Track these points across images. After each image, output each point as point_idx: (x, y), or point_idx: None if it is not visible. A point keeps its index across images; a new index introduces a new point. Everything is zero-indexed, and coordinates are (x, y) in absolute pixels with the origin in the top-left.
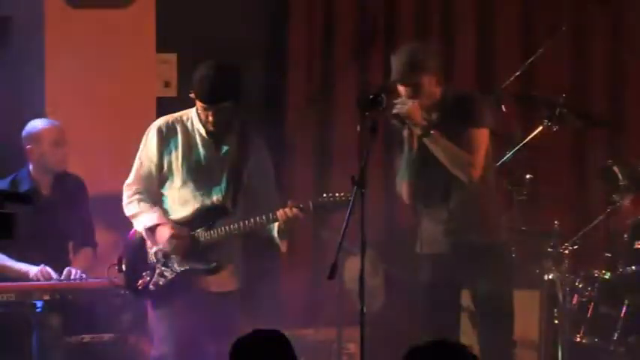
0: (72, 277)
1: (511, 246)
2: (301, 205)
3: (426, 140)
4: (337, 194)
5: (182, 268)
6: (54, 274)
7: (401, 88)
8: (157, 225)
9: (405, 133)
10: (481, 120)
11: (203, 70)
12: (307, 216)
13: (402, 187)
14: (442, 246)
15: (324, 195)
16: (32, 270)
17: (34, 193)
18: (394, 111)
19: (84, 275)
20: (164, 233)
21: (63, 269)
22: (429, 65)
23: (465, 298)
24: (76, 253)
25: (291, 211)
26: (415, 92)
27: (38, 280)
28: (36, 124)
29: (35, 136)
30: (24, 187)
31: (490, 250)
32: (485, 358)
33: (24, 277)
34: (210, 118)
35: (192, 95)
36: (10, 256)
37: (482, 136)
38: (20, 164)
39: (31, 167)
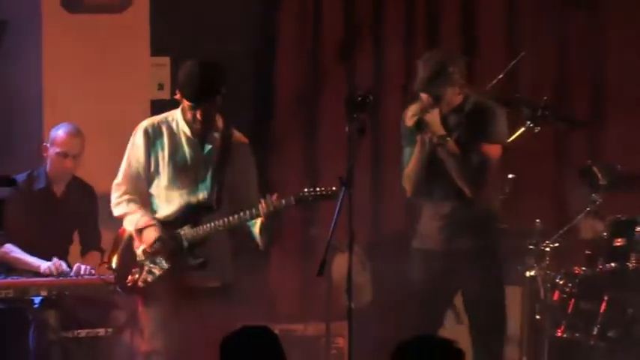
0: (81, 272)
1: (502, 249)
2: (283, 200)
3: (439, 149)
4: (318, 188)
5: (170, 265)
6: (65, 268)
7: (423, 96)
8: (144, 227)
9: (420, 137)
10: (495, 134)
11: (187, 69)
12: (291, 210)
13: (407, 181)
14: (439, 242)
15: (306, 189)
16: (43, 264)
17: (47, 192)
18: (412, 117)
19: (93, 270)
20: (150, 235)
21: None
22: (453, 78)
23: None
24: (83, 255)
25: (274, 204)
26: (437, 101)
27: (51, 273)
28: (58, 129)
29: (51, 140)
30: (39, 185)
31: (484, 253)
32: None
33: (35, 270)
34: (198, 117)
35: (177, 96)
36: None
37: (494, 152)
38: (14, 165)
39: (48, 167)
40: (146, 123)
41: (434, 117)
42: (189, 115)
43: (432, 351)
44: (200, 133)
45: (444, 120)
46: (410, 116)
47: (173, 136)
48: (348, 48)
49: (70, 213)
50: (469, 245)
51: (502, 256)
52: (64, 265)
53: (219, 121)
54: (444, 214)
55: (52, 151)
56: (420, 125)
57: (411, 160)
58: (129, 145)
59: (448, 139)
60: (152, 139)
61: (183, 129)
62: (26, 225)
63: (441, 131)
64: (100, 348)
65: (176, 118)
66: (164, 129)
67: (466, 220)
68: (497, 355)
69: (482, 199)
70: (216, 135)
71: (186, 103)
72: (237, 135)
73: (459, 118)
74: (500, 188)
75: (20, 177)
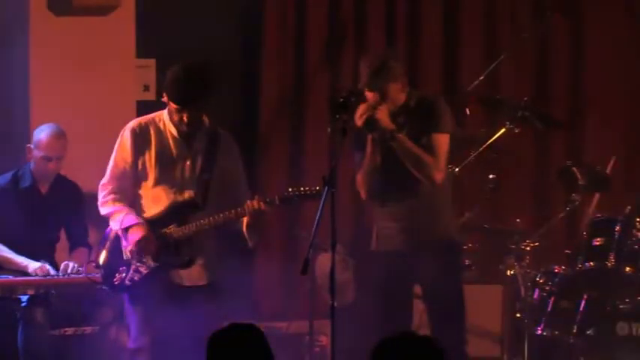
0: (69, 270)
1: (462, 245)
2: (268, 199)
3: (392, 143)
4: (302, 188)
5: (156, 264)
6: (52, 272)
7: (368, 94)
8: (130, 226)
9: (370, 137)
10: (443, 125)
11: (174, 72)
12: (275, 210)
13: (360, 185)
14: (397, 243)
15: (290, 189)
16: (31, 265)
17: (33, 190)
18: (362, 116)
19: (80, 269)
20: (135, 234)
21: (50, 262)
22: (395, 72)
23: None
24: (72, 252)
25: (258, 204)
26: (382, 98)
27: (36, 275)
28: (41, 132)
29: (35, 143)
30: (25, 183)
31: (442, 249)
32: None
33: (23, 270)
34: (185, 119)
35: (164, 99)
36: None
37: (442, 141)
38: (5, 163)
39: (32, 167)
40: (133, 123)
41: (382, 113)
42: (175, 117)
43: (412, 348)
44: (186, 134)
45: (392, 117)
46: (359, 116)
47: (160, 136)
48: (331, 51)
49: (56, 210)
50: (425, 242)
51: (460, 249)
52: (51, 270)
53: (206, 122)
54: (403, 215)
55: (36, 153)
56: (370, 123)
57: (364, 163)
58: (116, 145)
59: (398, 135)
60: (139, 138)
61: (170, 129)
62: (13, 223)
63: (391, 126)
64: (87, 345)
65: (163, 118)
66: (151, 129)
67: (420, 219)
68: (458, 344)
69: (436, 190)
70: (203, 135)
71: (172, 105)
72: (224, 135)
73: (406, 114)
74: (451, 176)
75: (6, 176)
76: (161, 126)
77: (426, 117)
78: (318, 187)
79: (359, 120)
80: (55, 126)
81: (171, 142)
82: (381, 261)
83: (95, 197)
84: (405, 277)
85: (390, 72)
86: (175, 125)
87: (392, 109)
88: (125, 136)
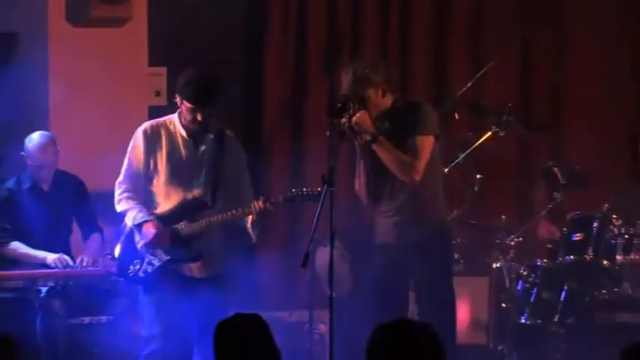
0: (84, 263)
1: (452, 240)
2: (273, 200)
3: (373, 146)
4: (305, 189)
5: (168, 257)
6: (70, 261)
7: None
8: (142, 222)
9: (356, 142)
10: (425, 127)
11: (188, 75)
12: (279, 208)
13: (358, 189)
14: (391, 238)
15: (293, 190)
16: (49, 257)
17: (35, 190)
18: (344, 123)
19: (95, 262)
20: (148, 230)
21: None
22: (372, 79)
23: None
24: (86, 239)
25: (265, 204)
26: (363, 104)
27: (56, 266)
28: (31, 141)
29: (26, 152)
30: (26, 185)
31: (433, 244)
32: None
33: (42, 262)
34: (199, 117)
35: (177, 100)
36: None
37: (425, 143)
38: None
39: (29, 171)
40: (146, 125)
41: (361, 118)
42: (189, 117)
43: (408, 334)
44: (195, 135)
45: (377, 122)
46: (342, 123)
47: (170, 137)
48: (329, 61)
49: (61, 204)
50: (416, 237)
51: (450, 244)
52: (68, 260)
53: (215, 126)
54: (394, 212)
55: (29, 162)
56: (353, 129)
57: (357, 169)
58: (130, 146)
59: (379, 138)
60: (151, 140)
61: (180, 131)
62: (26, 222)
63: (371, 129)
64: (102, 333)
65: (173, 121)
66: (162, 131)
67: (410, 215)
68: (449, 338)
69: (423, 183)
70: (211, 137)
71: (187, 105)
72: (231, 138)
73: (390, 118)
74: (441, 174)
75: (10, 181)
76: (171, 128)
77: (410, 120)
78: (319, 189)
79: (343, 125)
80: (44, 135)
81: (180, 143)
82: (379, 253)
83: (111, 194)
84: (400, 269)
85: (367, 79)
86: (185, 127)
87: (376, 114)
88: (138, 138)
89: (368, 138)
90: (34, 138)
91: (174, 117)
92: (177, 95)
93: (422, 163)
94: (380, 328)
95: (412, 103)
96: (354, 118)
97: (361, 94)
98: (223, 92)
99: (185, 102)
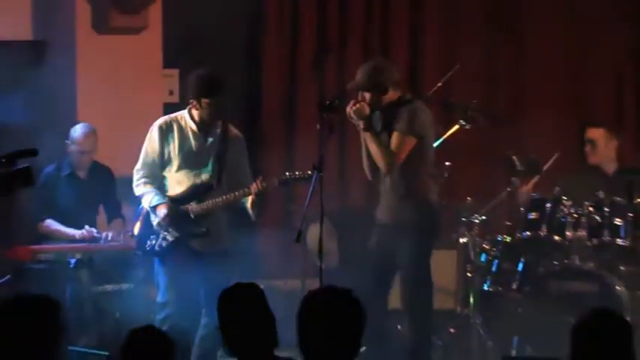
0: (108, 239)
1: (439, 223)
2: (269, 181)
3: (364, 134)
4: (297, 172)
5: (179, 233)
6: (95, 232)
7: (361, 93)
8: (157, 204)
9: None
10: (407, 128)
11: (200, 74)
12: (274, 190)
13: (365, 169)
14: (384, 217)
15: (287, 173)
16: (77, 232)
17: (73, 177)
18: (347, 109)
19: (117, 237)
20: (161, 211)
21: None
22: (380, 80)
23: None
24: (110, 222)
25: (261, 185)
26: (380, 92)
27: (84, 238)
28: (76, 130)
29: (71, 139)
30: (65, 172)
31: (420, 225)
32: (409, 321)
33: (71, 238)
34: (211, 109)
35: (192, 103)
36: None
37: (403, 141)
38: (55, 156)
39: (70, 158)
40: (160, 121)
41: (362, 108)
42: (206, 112)
43: (335, 298)
44: (204, 129)
45: (377, 114)
46: (347, 111)
47: (182, 131)
48: (320, 63)
49: (93, 191)
50: (407, 218)
51: (434, 226)
52: (94, 231)
53: (220, 119)
54: (386, 194)
55: (73, 148)
56: (351, 115)
57: (363, 151)
58: (147, 138)
59: (369, 129)
60: (165, 133)
61: (190, 125)
62: (60, 203)
63: (356, 122)
64: (123, 299)
65: (185, 117)
66: (175, 125)
67: (405, 198)
68: (426, 303)
69: (415, 176)
70: (217, 130)
71: (195, 102)
72: (234, 131)
73: (386, 112)
74: (430, 173)
75: (50, 167)
76: (183, 123)
77: (399, 117)
78: (309, 172)
79: (348, 113)
80: (87, 126)
81: (191, 135)
82: (376, 229)
83: (131, 179)
84: (390, 245)
85: (382, 72)
86: (194, 121)
87: (382, 106)
88: (154, 131)
89: (362, 126)
90: (79, 127)
91: (185, 113)
92: (191, 99)
93: (395, 158)
94: (309, 294)
95: (405, 103)
96: (352, 109)
97: (366, 88)
98: (226, 86)
99: (202, 99)
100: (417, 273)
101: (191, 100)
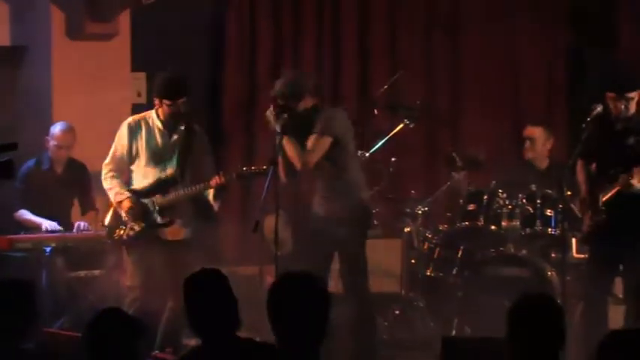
0: (81, 228)
1: (369, 213)
2: (228, 175)
3: (281, 138)
4: (253, 167)
5: (145, 224)
6: (57, 227)
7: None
8: (121, 200)
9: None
10: (321, 130)
11: (164, 77)
12: (234, 184)
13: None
14: (321, 210)
15: (244, 168)
16: (44, 223)
17: (51, 171)
18: (267, 113)
19: (89, 227)
20: (125, 205)
21: (67, 223)
22: (300, 85)
23: None
24: (83, 214)
25: (221, 179)
26: (293, 102)
27: (47, 229)
28: (56, 127)
29: (51, 135)
30: (45, 167)
31: (351, 216)
32: (348, 301)
33: (39, 227)
34: (172, 110)
35: (156, 102)
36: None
37: (317, 142)
38: (32, 153)
39: (49, 153)
40: (129, 119)
41: (269, 116)
42: (168, 111)
43: (294, 283)
44: (169, 127)
45: (293, 119)
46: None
47: (149, 129)
48: (276, 66)
49: (69, 185)
50: (342, 211)
51: (364, 219)
52: (56, 225)
53: (184, 118)
54: (321, 189)
55: (52, 143)
56: (269, 122)
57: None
58: (116, 136)
59: (284, 133)
60: (134, 130)
61: (157, 124)
62: (38, 195)
63: (272, 127)
64: (95, 284)
65: (152, 116)
66: (142, 124)
67: (336, 197)
68: (363, 286)
69: (345, 172)
70: (182, 128)
71: (165, 103)
72: (197, 128)
73: (302, 118)
74: (358, 162)
75: (31, 161)
76: (150, 121)
77: (316, 122)
78: (264, 167)
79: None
80: (65, 123)
81: (157, 133)
82: (313, 221)
83: (101, 173)
84: (327, 235)
85: (296, 85)
86: (160, 120)
87: (294, 112)
88: (123, 129)
89: (278, 130)
90: (59, 124)
91: (152, 113)
92: (155, 98)
93: (309, 157)
94: (275, 282)
95: (317, 108)
96: (271, 116)
97: (295, 92)
98: (189, 87)
99: (163, 100)
100: (354, 260)
101: (155, 100)
